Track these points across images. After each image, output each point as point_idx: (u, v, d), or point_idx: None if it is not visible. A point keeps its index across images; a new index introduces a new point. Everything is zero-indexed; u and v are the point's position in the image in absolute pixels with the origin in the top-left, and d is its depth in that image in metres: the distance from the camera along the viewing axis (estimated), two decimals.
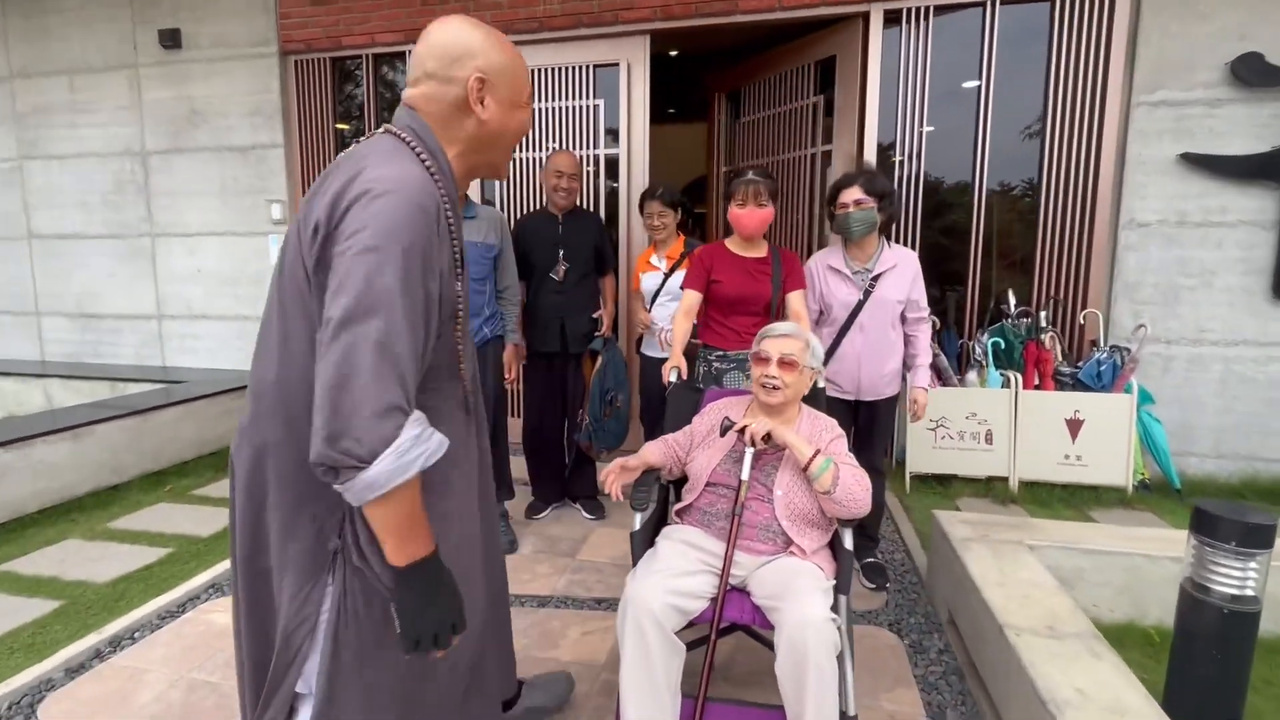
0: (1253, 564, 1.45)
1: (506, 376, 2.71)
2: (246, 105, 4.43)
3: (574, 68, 3.92)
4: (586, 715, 1.74)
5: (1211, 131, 3.17)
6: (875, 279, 2.24)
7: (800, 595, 1.31)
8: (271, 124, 4.40)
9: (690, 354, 2.30)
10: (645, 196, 2.90)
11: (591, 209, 3.95)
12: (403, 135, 1.01)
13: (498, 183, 4.12)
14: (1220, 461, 3.35)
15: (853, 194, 2.18)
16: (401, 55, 4.13)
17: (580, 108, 3.94)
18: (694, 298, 2.27)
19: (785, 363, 1.59)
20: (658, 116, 7.71)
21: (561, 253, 2.79)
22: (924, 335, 2.33)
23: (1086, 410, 3.19)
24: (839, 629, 1.37)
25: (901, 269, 2.26)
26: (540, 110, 3.99)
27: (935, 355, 3.39)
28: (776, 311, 2.27)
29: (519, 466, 3.10)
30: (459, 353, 1.10)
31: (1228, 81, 3.12)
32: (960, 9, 3.41)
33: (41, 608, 2.28)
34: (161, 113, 4.59)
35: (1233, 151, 3.14)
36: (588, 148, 3.96)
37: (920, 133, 3.50)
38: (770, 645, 1.35)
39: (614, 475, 1.60)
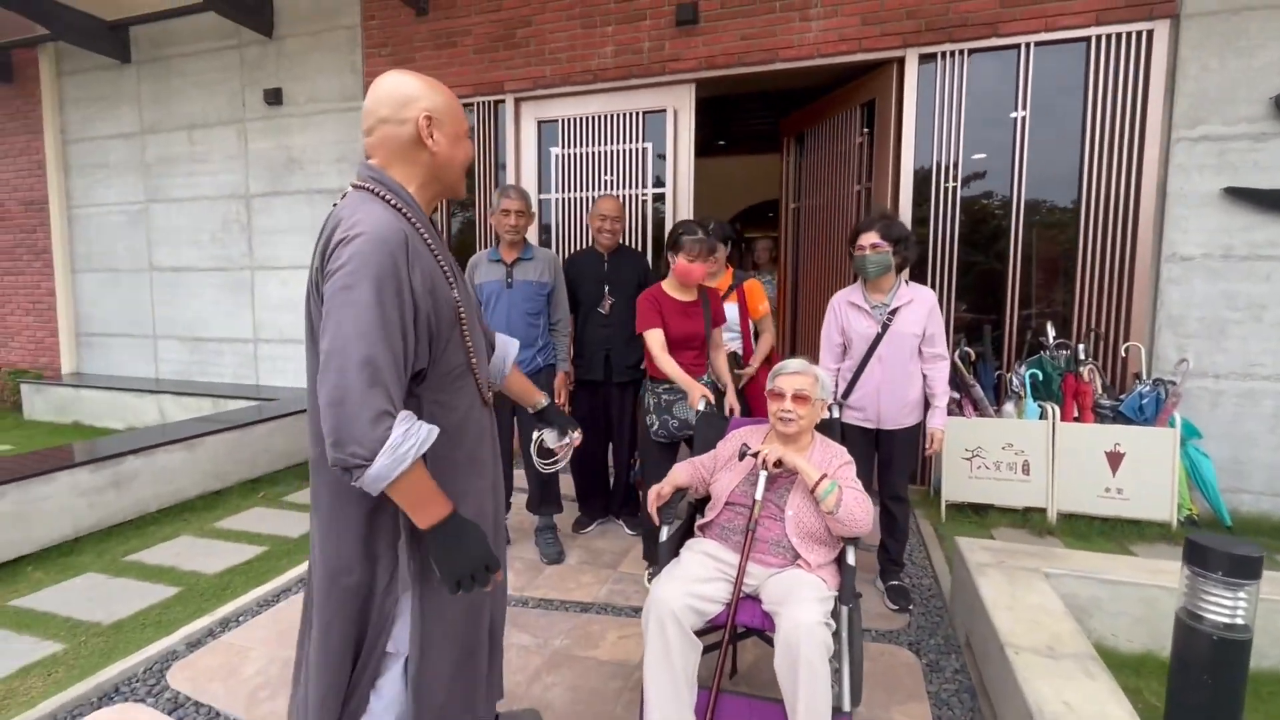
0: (1242, 594, 1.53)
1: (557, 400, 2.99)
2: (334, 153, 4.97)
3: (624, 114, 4.24)
4: (621, 708, 1.95)
5: (1256, 165, 3.17)
6: (893, 313, 2.40)
7: (798, 602, 1.49)
8: (355, 169, 4.91)
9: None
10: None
11: (642, 242, 4.25)
12: (366, 185, 1.24)
13: (553, 221, 4.47)
14: (1276, 500, 3.27)
15: (870, 238, 2.37)
16: (470, 105, 4.56)
17: (630, 151, 4.25)
18: (659, 335, 2.54)
19: (798, 397, 1.79)
20: (713, 150, 8.03)
21: (607, 289, 3.07)
22: (941, 373, 2.45)
23: (1127, 443, 3.19)
24: (833, 633, 1.54)
25: (918, 304, 2.42)
26: (594, 154, 4.32)
27: (971, 386, 3.47)
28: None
29: (567, 484, 3.36)
30: (469, 350, 1.32)
31: (1272, 116, 3.12)
32: (995, 50, 3.53)
33: (164, 592, 2.68)
34: (263, 161, 5.20)
35: (1279, 185, 3.12)
36: (636, 187, 4.25)
37: (956, 170, 3.61)
38: None
39: (653, 504, 1.83)
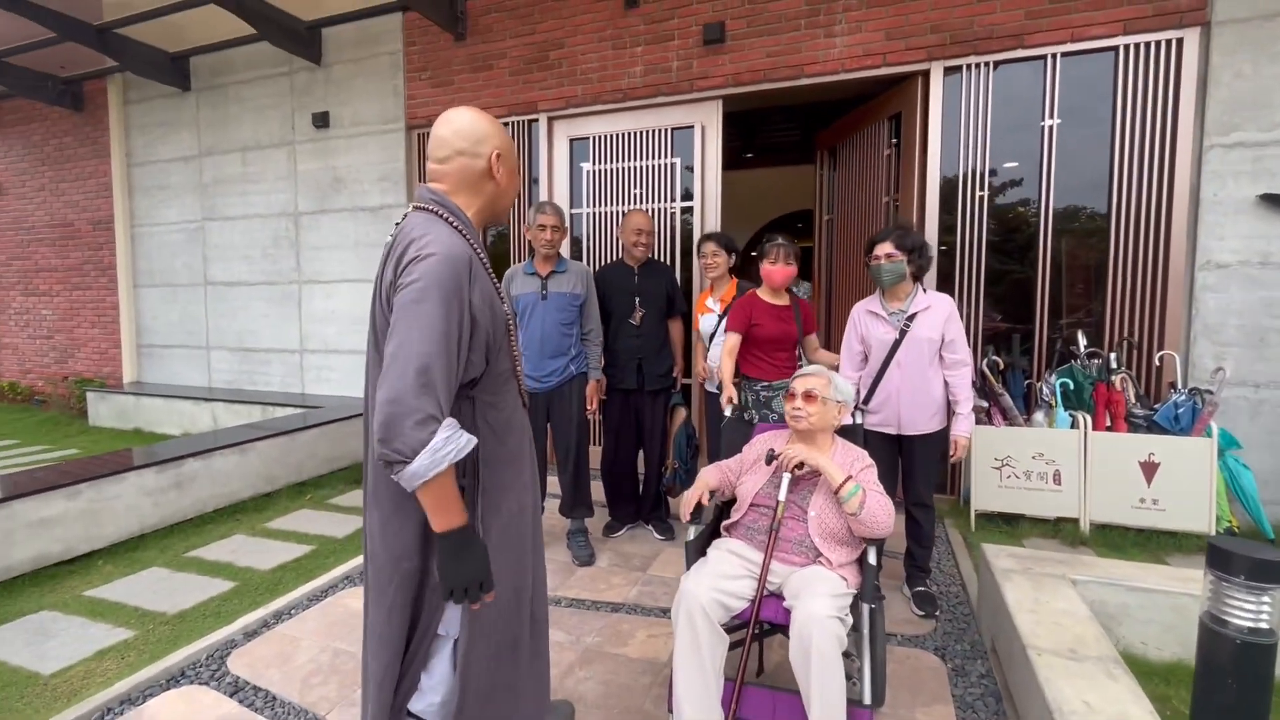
0: (1265, 598, 1.54)
1: (589, 407, 3.10)
2: (377, 172, 5.22)
3: (653, 131, 4.37)
4: (650, 702, 2.03)
5: None
6: (910, 319, 2.45)
7: (811, 595, 1.56)
8: (397, 188, 5.15)
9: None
10: (703, 239, 3.24)
11: (670, 254, 4.36)
12: (430, 208, 1.38)
13: (584, 234, 4.62)
14: None
15: (885, 248, 2.44)
16: (506, 125, 4.74)
17: (659, 166, 4.38)
18: (736, 339, 2.79)
19: (808, 395, 1.87)
20: (741, 162, 8.12)
21: (637, 300, 3.18)
22: (963, 379, 2.48)
23: (1162, 453, 3.15)
24: (853, 629, 1.60)
25: (935, 310, 2.47)
26: (624, 169, 4.46)
27: (999, 395, 3.47)
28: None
29: (598, 490, 3.46)
30: (515, 358, 1.46)
31: None
32: (1021, 62, 3.56)
33: (222, 586, 2.86)
34: (311, 180, 5.48)
35: None
36: (665, 201, 4.37)
37: (983, 180, 3.64)
38: None
39: (687, 510, 1.90)
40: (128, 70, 5.77)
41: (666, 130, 4.34)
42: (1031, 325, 3.64)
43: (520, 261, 3.19)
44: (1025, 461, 3.35)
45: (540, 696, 1.60)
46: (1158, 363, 3.39)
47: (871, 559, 1.72)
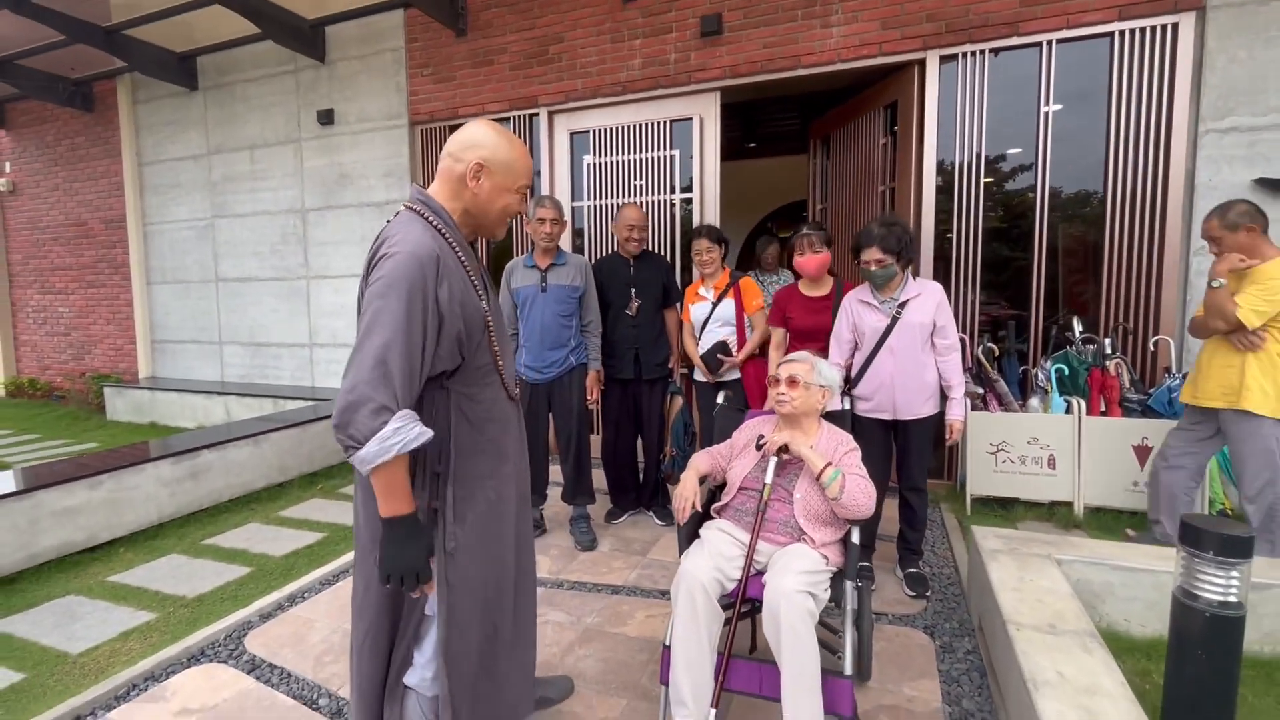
0: (1234, 573, 1.60)
1: (589, 398, 3.18)
2: (382, 168, 5.30)
3: (652, 123, 4.41)
4: (647, 678, 2.12)
5: None
6: (901, 305, 2.50)
7: (782, 571, 1.63)
8: (401, 183, 5.23)
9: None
10: (694, 235, 3.24)
11: (670, 245, 4.42)
12: (414, 207, 1.45)
13: (585, 227, 4.68)
14: None
15: (873, 254, 2.47)
16: (507, 120, 4.80)
17: (658, 158, 4.42)
18: (780, 333, 2.90)
19: (791, 381, 1.94)
20: (741, 152, 8.12)
21: (634, 291, 3.24)
22: (954, 365, 2.53)
23: (1156, 437, 3.18)
24: (837, 606, 1.68)
25: (926, 296, 2.51)
26: (623, 162, 4.51)
27: (994, 381, 3.51)
28: None
29: (599, 477, 3.55)
30: (496, 353, 1.50)
31: None
32: (1016, 49, 3.57)
33: (238, 571, 2.97)
34: (317, 177, 5.57)
35: None
36: (665, 193, 4.42)
37: (980, 168, 3.66)
38: None
39: (686, 505, 1.90)
40: (136, 71, 5.87)
41: (665, 122, 4.38)
42: (1028, 311, 3.68)
43: (521, 255, 3.25)
44: (1020, 446, 3.39)
45: (524, 681, 1.67)
46: (1152, 348, 3.41)
47: (855, 538, 1.79)
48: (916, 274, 3.76)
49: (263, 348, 6.03)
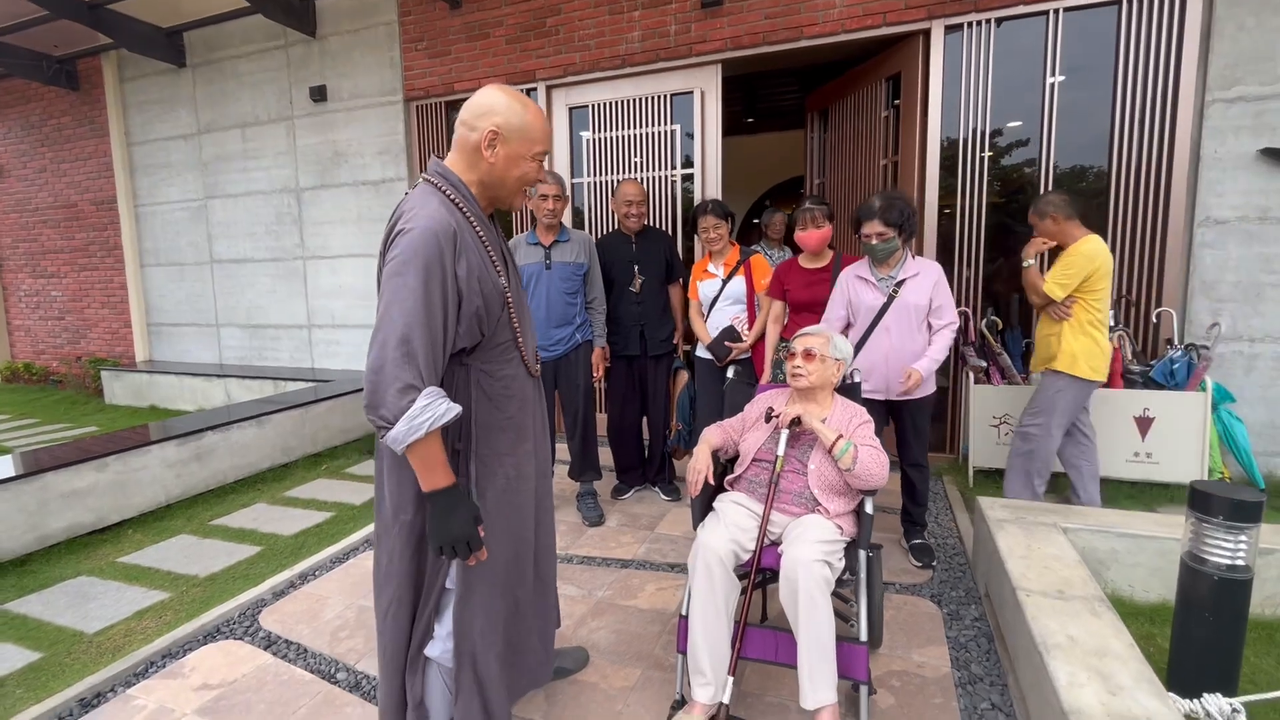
0: (1243, 537, 1.63)
1: (595, 375, 3.17)
2: (377, 146, 5.22)
3: (652, 97, 4.35)
4: (659, 648, 2.15)
5: None
6: (899, 284, 2.49)
7: (798, 541, 1.65)
8: (397, 161, 5.15)
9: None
10: (699, 212, 3.15)
11: (671, 221, 4.39)
12: (432, 180, 1.42)
13: (585, 204, 4.64)
14: None
15: (874, 227, 2.45)
16: None
17: (659, 133, 4.37)
18: (779, 306, 2.93)
19: (808, 354, 1.94)
20: (742, 127, 8.03)
21: (636, 268, 3.23)
22: (943, 339, 2.49)
23: (1157, 408, 3.21)
24: (851, 575, 1.70)
25: (924, 276, 2.49)
26: (623, 137, 4.46)
27: (998, 354, 3.53)
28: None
29: (606, 454, 3.56)
30: (516, 329, 1.49)
31: None
32: (1023, 19, 3.52)
33: (248, 551, 2.99)
34: (311, 155, 5.49)
35: None
36: (665, 168, 4.38)
37: (985, 140, 3.63)
38: None
39: (700, 478, 1.90)
40: (122, 47, 5.73)
41: (666, 96, 4.32)
42: None
43: (523, 231, 3.22)
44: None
45: (544, 650, 1.70)
46: (1155, 320, 3.43)
47: (869, 508, 1.80)
48: (920, 251, 3.76)
49: (260, 329, 5.99)
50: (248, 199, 5.83)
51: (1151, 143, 3.35)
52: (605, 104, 4.48)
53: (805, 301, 2.84)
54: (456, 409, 1.30)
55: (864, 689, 1.63)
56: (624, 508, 3.38)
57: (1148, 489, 3.25)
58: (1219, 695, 1.52)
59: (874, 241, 2.47)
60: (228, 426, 3.81)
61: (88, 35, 5.78)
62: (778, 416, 1.91)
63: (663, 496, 3.45)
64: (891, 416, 2.66)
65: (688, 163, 4.35)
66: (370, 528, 3.12)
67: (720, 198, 4.21)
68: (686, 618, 1.72)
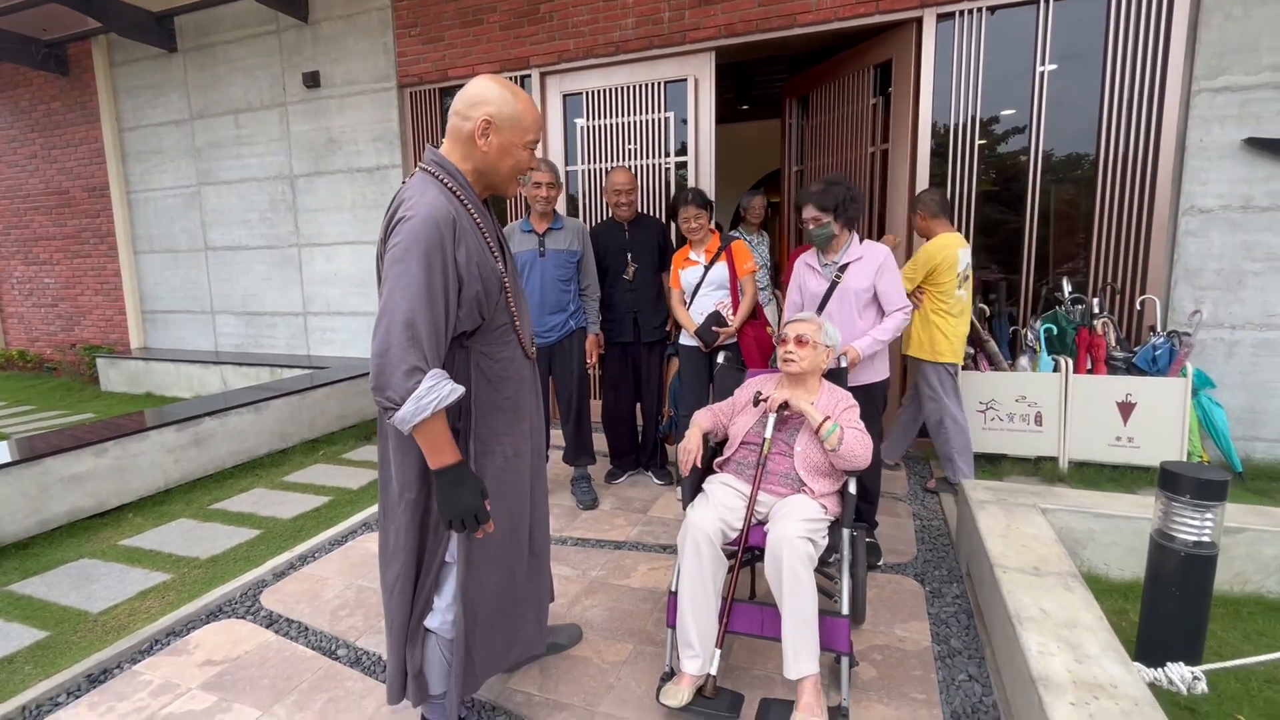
0: (1209, 515, 1.70)
1: (588, 361, 3.22)
2: (371, 132, 5.21)
3: (646, 85, 4.36)
4: (651, 625, 2.22)
5: (1279, 115, 3.16)
6: (842, 269, 2.50)
7: (783, 519, 1.72)
8: (391, 148, 5.15)
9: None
10: (678, 203, 3.14)
11: (666, 209, 4.41)
12: (429, 169, 1.46)
13: (580, 191, 4.66)
14: None
15: (809, 213, 2.46)
16: None
17: (653, 120, 4.38)
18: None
19: (799, 340, 1.99)
20: (735, 115, 8.00)
21: (629, 255, 3.27)
22: (893, 320, 2.47)
23: (1139, 393, 3.29)
24: (833, 552, 1.77)
25: (867, 260, 2.48)
26: (618, 124, 4.47)
27: (986, 341, 3.59)
28: None
29: (600, 439, 3.62)
30: (514, 313, 1.53)
31: None
32: (1014, 7, 3.54)
33: (248, 534, 3.04)
34: (305, 142, 5.47)
35: None
36: (659, 156, 4.40)
37: (975, 128, 3.67)
38: None
39: (691, 458, 1.97)
40: (112, 31, 5.68)
41: (660, 84, 4.33)
42: (1019, 273, 3.73)
43: (518, 219, 3.25)
44: (1009, 404, 3.49)
45: (539, 620, 1.76)
46: (1139, 307, 3.49)
47: (852, 489, 1.87)
48: (909, 238, 3.81)
49: (256, 316, 6.01)
50: (241, 186, 5.81)
51: (1138, 132, 3.39)
52: (599, 91, 4.48)
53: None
54: (460, 389, 1.35)
55: (845, 660, 1.70)
56: (618, 491, 3.44)
57: (1129, 472, 3.33)
58: (1182, 664, 1.59)
59: (810, 227, 2.49)
60: (225, 412, 3.85)
61: (77, 19, 5.73)
62: (765, 401, 1.96)
63: (656, 481, 3.52)
64: None
65: (682, 150, 4.37)
66: (368, 511, 3.18)
67: (714, 185, 4.26)
68: (676, 594, 1.79)
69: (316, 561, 2.74)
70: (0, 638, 2.24)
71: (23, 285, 7.27)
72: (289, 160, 5.56)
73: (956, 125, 3.70)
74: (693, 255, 3.18)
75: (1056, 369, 3.42)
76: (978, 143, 3.68)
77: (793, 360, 1.99)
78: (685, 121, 4.31)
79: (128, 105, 6.21)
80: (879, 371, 2.56)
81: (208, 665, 2.06)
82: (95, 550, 2.91)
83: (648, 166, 4.43)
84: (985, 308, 3.70)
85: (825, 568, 2.13)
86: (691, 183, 4.32)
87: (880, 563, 2.60)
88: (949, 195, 3.75)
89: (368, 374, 1.38)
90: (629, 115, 4.44)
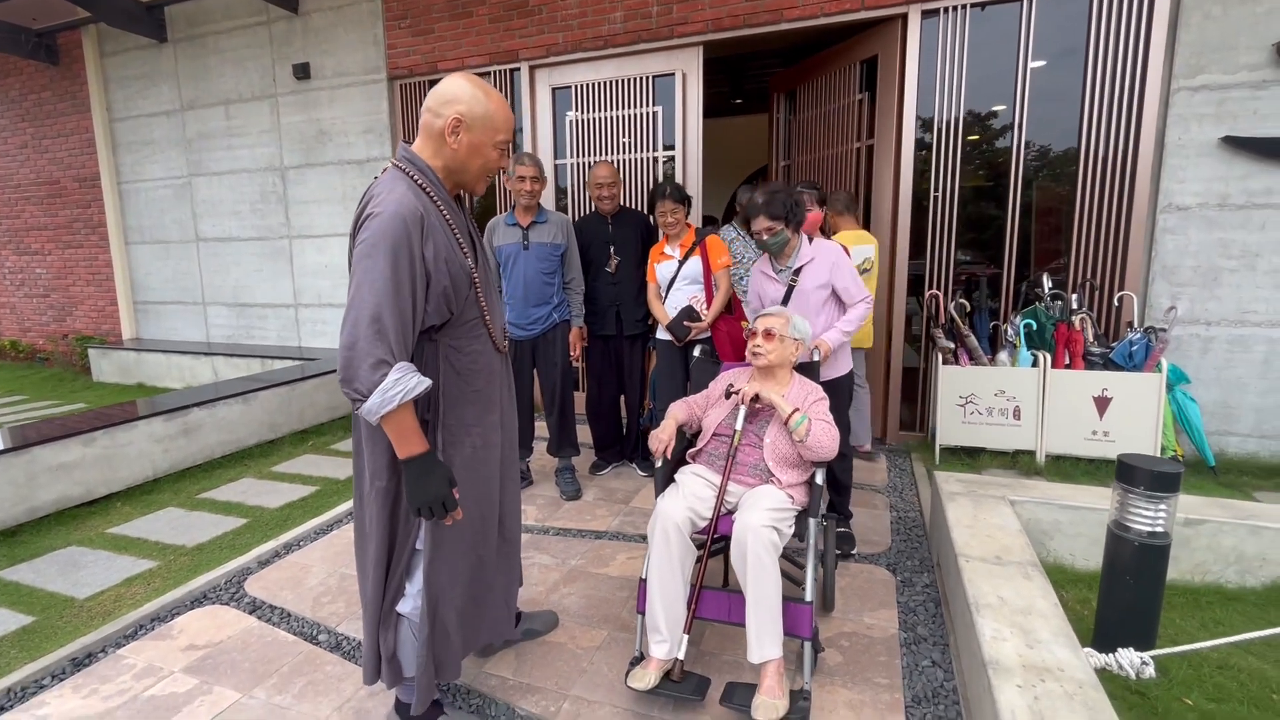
0: (1162, 506, 1.75)
1: (572, 354, 3.26)
2: (362, 124, 5.22)
3: (635, 79, 4.38)
4: (627, 612, 2.26)
5: (1256, 114, 3.20)
6: (796, 273, 2.51)
7: (749, 509, 1.76)
8: (382, 140, 5.16)
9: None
10: (656, 196, 3.15)
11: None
12: (400, 165, 1.49)
13: (569, 185, 4.68)
14: (1263, 441, 3.40)
15: (761, 224, 2.44)
16: (488, 75, 4.73)
17: (641, 115, 4.40)
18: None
19: (767, 334, 2.03)
20: (728, 109, 7.99)
21: (612, 249, 3.30)
22: (855, 311, 2.50)
23: (1115, 388, 3.34)
24: (800, 541, 1.82)
25: (819, 260, 2.49)
26: (606, 118, 4.49)
27: (966, 337, 3.63)
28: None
29: (584, 431, 3.66)
30: (483, 308, 1.56)
31: (1273, 63, 3.14)
32: (999, 4, 3.57)
33: (234, 523, 3.08)
34: (296, 134, 5.48)
35: (1278, 134, 3.16)
36: (648, 150, 4.42)
37: (959, 125, 3.69)
38: None
39: (662, 446, 2.01)
40: (101, 21, 5.66)
41: (648, 78, 4.35)
42: (1001, 269, 3.77)
43: (503, 213, 3.27)
44: (988, 399, 3.54)
45: (508, 604, 1.81)
46: (1117, 303, 3.54)
47: (819, 479, 1.91)
48: (894, 234, 3.84)
49: (247, 308, 6.02)
50: (232, 177, 5.82)
51: (1119, 129, 3.43)
52: (588, 85, 4.50)
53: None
54: (426, 382, 1.39)
55: (808, 645, 1.75)
56: (601, 483, 3.49)
57: (1104, 465, 3.38)
58: (1132, 650, 1.65)
59: (765, 237, 2.47)
60: (214, 403, 3.88)
61: (67, 8, 5.71)
62: (737, 393, 2.00)
63: (639, 472, 3.56)
64: None
65: (670, 145, 4.39)
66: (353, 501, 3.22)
67: (700, 180, 4.29)
68: (646, 581, 1.83)
69: (301, 550, 2.79)
70: None
71: (14, 275, 7.27)
72: (279, 152, 5.57)
73: (941, 121, 3.73)
74: (668, 250, 3.20)
75: (1035, 364, 3.46)
76: (962, 138, 3.71)
77: (760, 354, 2.03)
78: (674, 116, 4.33)
79: (118, 95, 6.20)
80: (841, 366, 2.58)
81: (191, 649, 2.10)
82: (83, 538, 2.94)
83: (636, 160, 4.45)
84: (966, 303, 3.74)
85: (796, 556, 2.18)
86: (679, 177, 4.34)
87: (854, 552, 2.63)
88: (933, 191, 3.79)
89: None
90: (618, 109, 4.45)
